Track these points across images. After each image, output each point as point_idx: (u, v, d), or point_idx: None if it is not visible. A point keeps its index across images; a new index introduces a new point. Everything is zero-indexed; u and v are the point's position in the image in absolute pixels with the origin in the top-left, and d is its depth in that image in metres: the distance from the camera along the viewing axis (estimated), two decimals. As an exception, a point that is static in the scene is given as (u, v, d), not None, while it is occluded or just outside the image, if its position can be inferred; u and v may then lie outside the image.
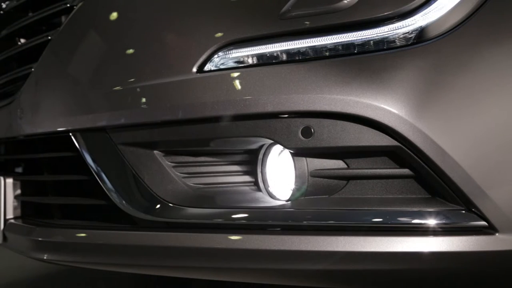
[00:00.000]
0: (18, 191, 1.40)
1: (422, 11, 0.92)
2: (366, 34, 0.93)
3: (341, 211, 0.97)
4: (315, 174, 0.99)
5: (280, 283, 1.08)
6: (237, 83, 0.99)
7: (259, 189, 1.06)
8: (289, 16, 0.96)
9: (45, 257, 1.22)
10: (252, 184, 1.07)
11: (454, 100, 0.90)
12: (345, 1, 0.93)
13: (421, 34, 0.91)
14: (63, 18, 1.28)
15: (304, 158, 0.99)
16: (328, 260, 0.95)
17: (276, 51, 0.97)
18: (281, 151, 1.05)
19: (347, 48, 0.94)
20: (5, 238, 1.37)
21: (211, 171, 1.09)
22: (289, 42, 0.97)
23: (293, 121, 0.96)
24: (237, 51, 1.00)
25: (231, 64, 1.00)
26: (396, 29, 0.92)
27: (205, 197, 1.07)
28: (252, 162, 1.08)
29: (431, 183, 0.93)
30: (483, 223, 0.91)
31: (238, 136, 1.01)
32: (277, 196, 1.05)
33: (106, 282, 1.99)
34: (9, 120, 1.36)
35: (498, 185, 0.90)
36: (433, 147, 0.89)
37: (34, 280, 2.06)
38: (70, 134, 1.16)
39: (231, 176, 1.09)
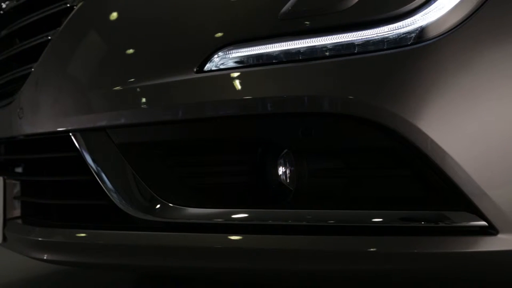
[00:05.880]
0: (18, 191, 1.40)
1: (422, 11, 0.91)
2: (366, 34, 0.93)
3: (341, 211, 0.97)
4: (315, 174, 0.99)
5: (280, 283, 1.08)
6: (237, 83, 0.99)
7: (259, 189, 1.06)
8: (289, 17, 0.96)
9: (45, 257, 1.22)
10: (252, 184, 1.07)
11: (454, 100, 0.90)
12: (345, 1, 0.93)
13: (421, 34, 0.91)
14: (63, 18, 1.28)
15: (304, 158, 0.99)
16: (328, 260, 0.95)
17: (276, 51, 0.97)
18: (281, 151, 1.05)
19: (347, 48, 0.94)
20: (5, 238, 1.37)
21: (211, 171, 1.09)
22: (289, 42, 0.97)
23: (293, 121, 0.96)
24: (237, 51, 0.99)
25: (231, 64, 1.00)
26: (396, 29, 0.92)
27: (205, 197, 1.07)
28: (252, 162, 1.07)
29: (431, 183, 0.93)
30: (483, 223, 0.91)
31: (238, 136, 1.01)
32: (277, 196, 1.05)
33: (106, 282, 1.99)
34: (9, 120, 1.36)
35: (498, 185, 0.90)
36: (433, 147, 0.89)
37: (34, 280, 2.06)
38: (70, 134, 1.16)
39: (231, 176, 1.09)
